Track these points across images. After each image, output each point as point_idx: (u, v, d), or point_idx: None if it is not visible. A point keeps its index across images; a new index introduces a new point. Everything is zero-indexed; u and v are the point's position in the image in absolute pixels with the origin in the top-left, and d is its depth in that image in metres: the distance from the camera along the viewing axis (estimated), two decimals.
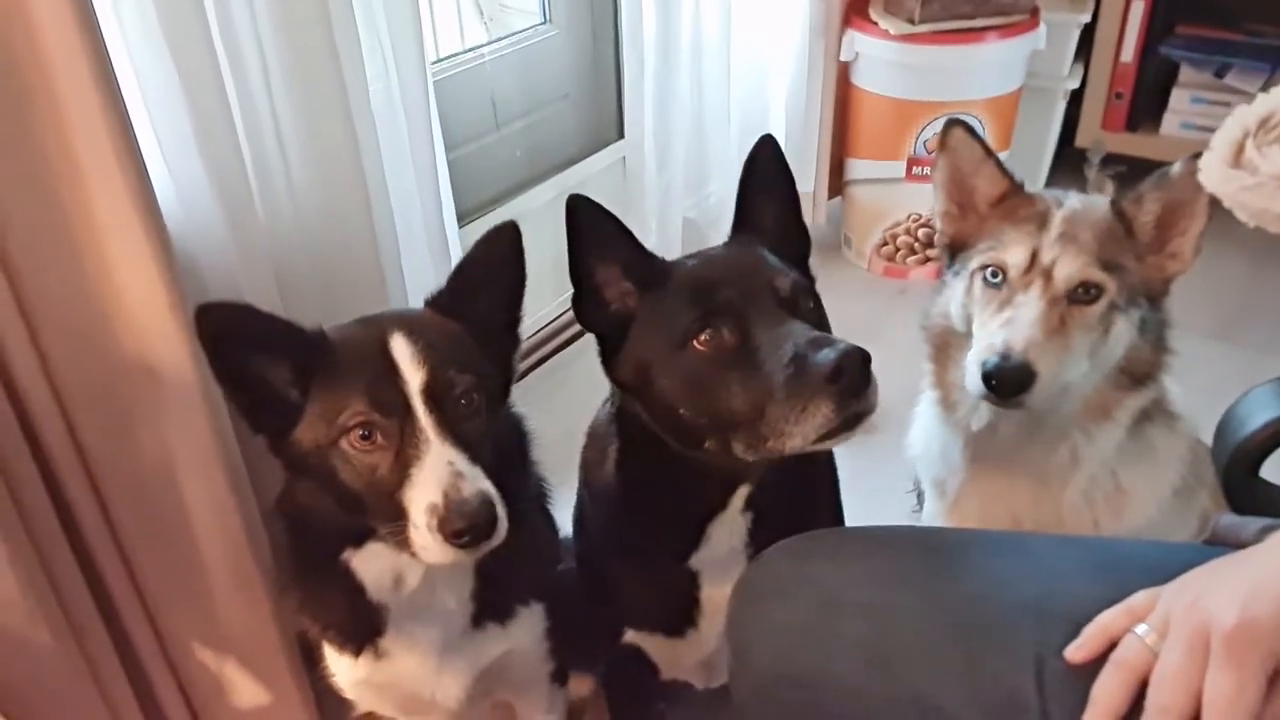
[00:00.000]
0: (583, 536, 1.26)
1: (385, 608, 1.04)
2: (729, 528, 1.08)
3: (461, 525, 0.87)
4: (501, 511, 0.90)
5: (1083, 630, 0.71)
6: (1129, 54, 2.71)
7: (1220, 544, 0.77)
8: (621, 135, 2.25)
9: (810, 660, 0.80)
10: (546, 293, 2.21)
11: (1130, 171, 2.63)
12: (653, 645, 1.21)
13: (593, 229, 1.00)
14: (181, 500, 1.20)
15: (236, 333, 0.92)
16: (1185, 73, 2.71)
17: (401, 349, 0.92)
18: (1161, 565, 0.73)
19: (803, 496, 1.12)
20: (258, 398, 0.94)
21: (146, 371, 1.13)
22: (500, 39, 2.12)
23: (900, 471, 1.64)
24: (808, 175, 2.54)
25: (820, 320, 1.01)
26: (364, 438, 0.91)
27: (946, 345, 1.18)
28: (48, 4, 0.93)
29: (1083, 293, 1.03)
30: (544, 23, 2.16)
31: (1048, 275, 1.04)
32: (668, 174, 2.14)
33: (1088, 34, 2.70)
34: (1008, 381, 1.00)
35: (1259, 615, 0.63)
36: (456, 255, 1.68)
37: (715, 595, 1.12)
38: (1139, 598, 0.71)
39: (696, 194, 2.27)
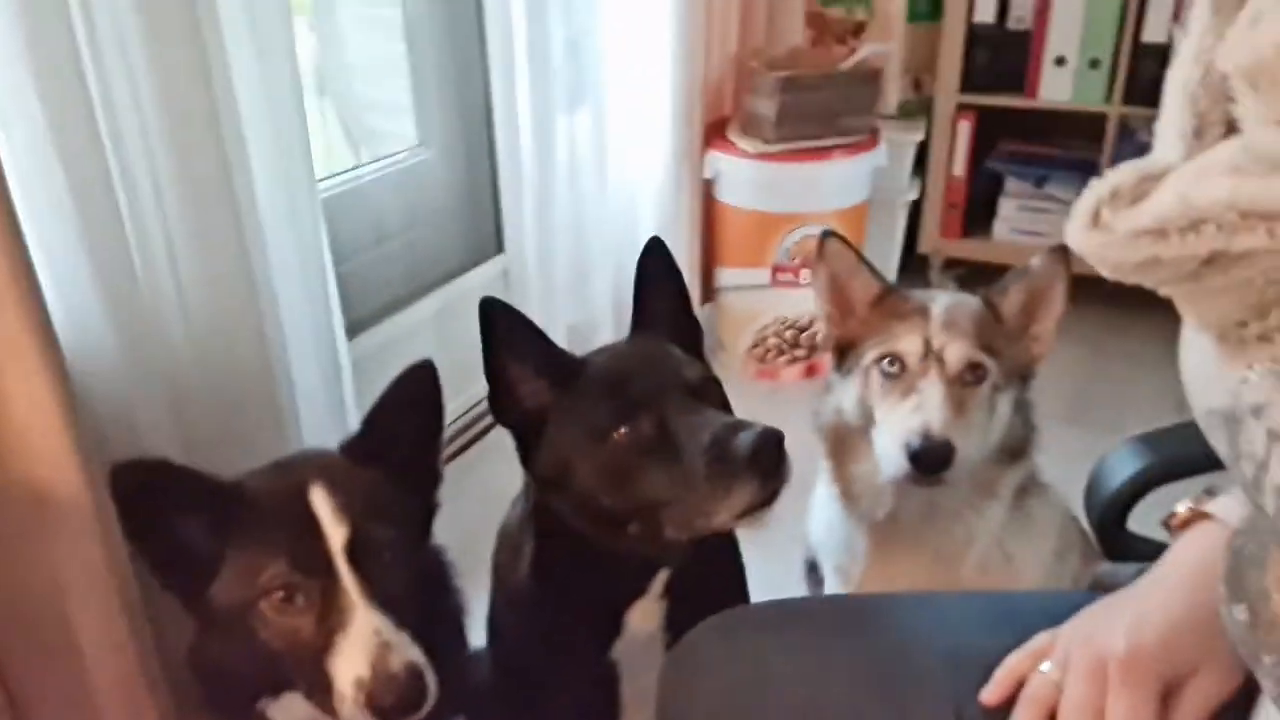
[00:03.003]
0: (499, 643, 1.25)
1: None
2: (647, 613, 1.11)
3: (391, 701, 0.85)
4: (431, 679, 0.88)
5: (994, 674, 0.77)
6: (959, 169, 2.98)
7: (1102, 590, 0.84)
8: (500, 249, 2.32)
9: None
10: None
11: (969, 274, 2.86)
12: None
13: (506, 329, 1.04)
14: (71, 629, 1.13)
15: (153, 491, 0.88)
16: (1010, 184, 2.99)
17: (322, 503, 0.90)
18: (1056, 610, 0.80)
19: (714, 580, 1.16)
20: (170, 554, 0.91)
21: (36, 495, 1.08)
22: (379, 160, 2.17)
23: (790, 561, 1.70)
24: None
25: (725, 404, 1.07)
26: (284, 600, 0.88)
27: (843, 441, 1.24)
28: None
29: (970, 375, 1.13)
30: (420, 145, 2.23)
31: (940, 360, 1.12)
32: (550, 284, 2.21)
33: (922, 151, 2.95)
34: (933, 459, 1.07)
35: (1145, 642, 0.70)
36: (347, 368, 1.69)
37: (636, 687, 1.14)
38: (1040, 639, 0.78)
39: (579, 301, 2.34)
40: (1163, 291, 0.50)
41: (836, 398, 1.24)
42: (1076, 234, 0.49)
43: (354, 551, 0.89)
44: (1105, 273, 0.49)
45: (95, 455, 1.11)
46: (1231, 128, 0.48)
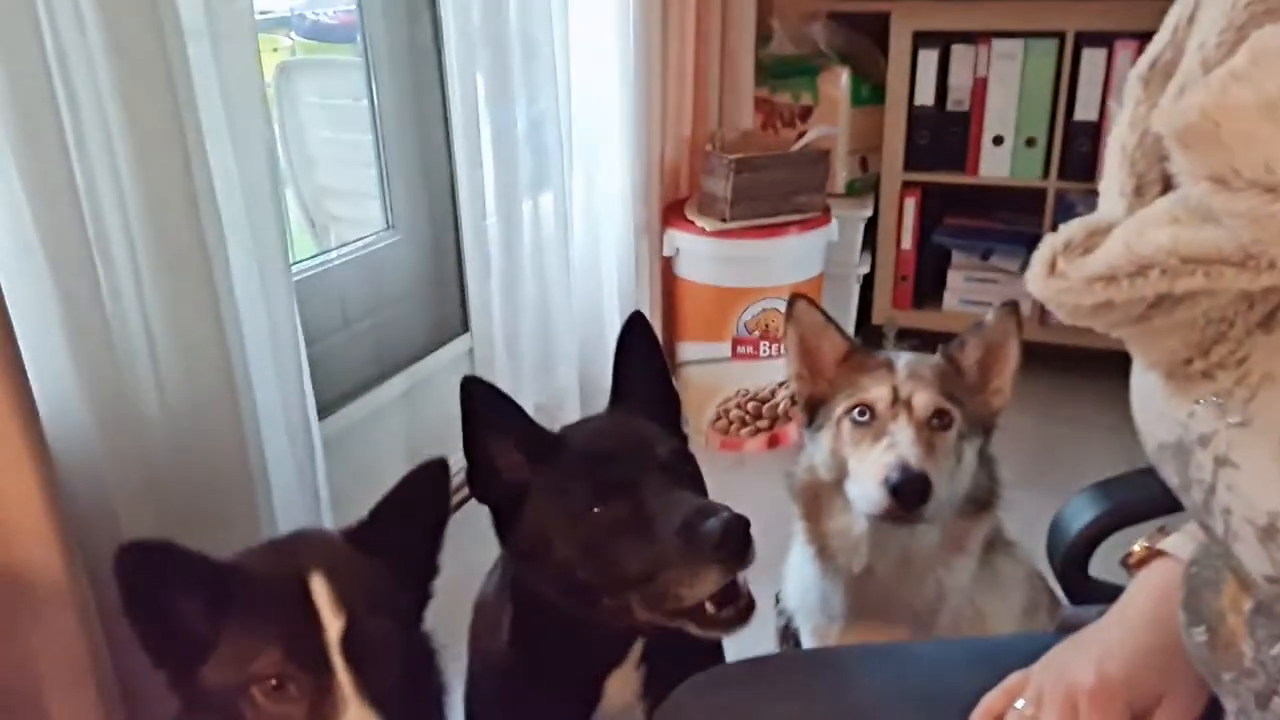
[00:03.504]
0: (476, 717, 1.25)
1: None
2: (625, 681, 1.12)
3: None
4: None
5: (971, 714, 0.80)
6: (908, 243, 3.08)
7: (1068, 632, 0.88)
8: (465, 329, 2.36)
9: None
10: None
11: (922, 343, 2.93)
12: None
13: (487, 407, 1.06)
14: (46, 713, 1.13)
15: (157, 571, 0.88)
16: (957, 257, 3.09)
17: (321, 592, 0.90)
18: (1026, 650, 0.84)
19: (690, 647, 1.17)
20: (166, 634, 0.90)
21: (15, 579, 1.08)
22: (346, 244, 2.21)
23: (764, 626, 1.72)
24: None
25: (696, 478, 1.11)
26: (276, 689, 0.88)
27: (817, 498, 1.27)
28: None
29: (938, 421, 1.17)
30: (387, 229, 2.28)
31: (909, 406, 1.17)
32: (516, 363, 2.25)
33: (872, 227, 3.06)
34: (912, 491, 1.09)
35: (1111, 672, 0.75)
36: (319, 448, 1.70)
37: None
38: (1013, 678, 0.81)
39: (545, 380, 2.38)
40: (1114, 333, 0.55)
41: (809, 456, 1.28)
42: (1036, 281, 0.54)
43: (350, 644, 0.89)
44: (1063, 317, 0.54)
45: (74, 538, 1.12)
46: (1167, 185, 0.54)
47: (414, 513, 1.01)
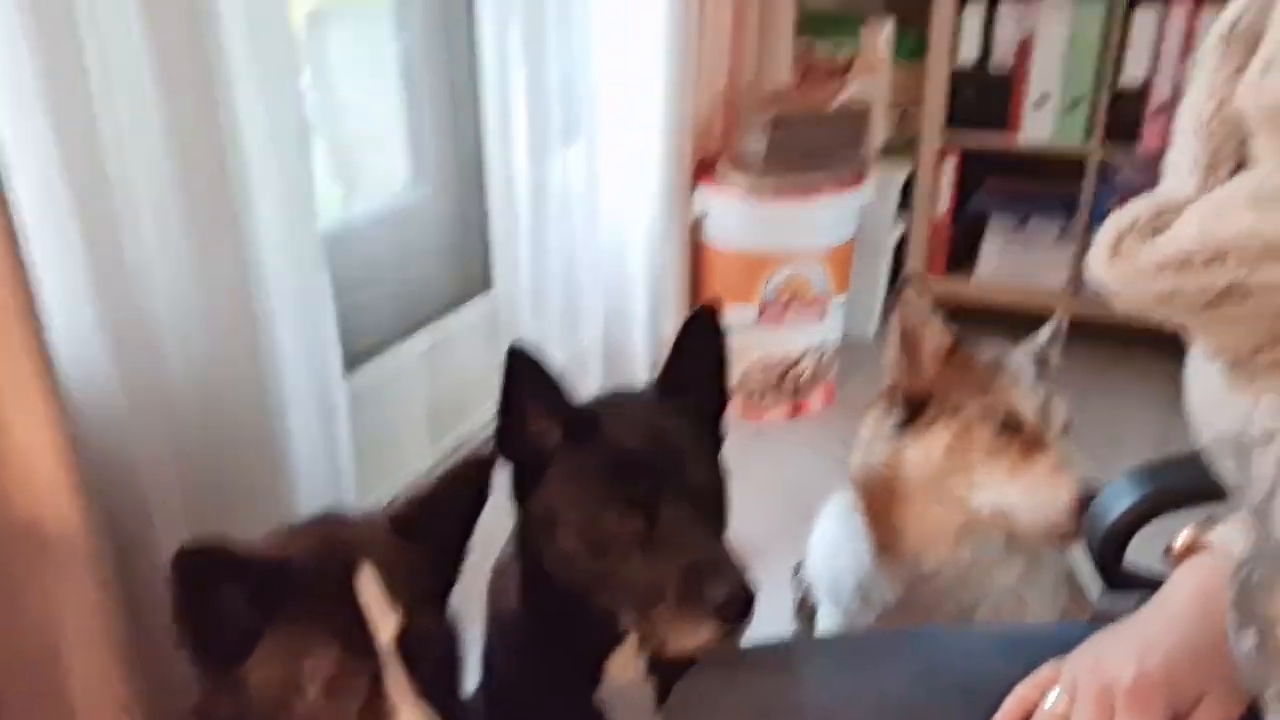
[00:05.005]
0: (492, 680, 1.25)
1: None
2: (626, 663, 1.10)
3: None
4: None
5: (1003, 704, 0.78)
6: (944, 207, 3.02)
7: (1103, 620, 0.85)
8: (487, 287, 2.33)
9: None
10: (422, 441, 2.21)
11: (952, 313, 2.87)
12: None
13: (529, 377, 1.04)
14: (65, 670, 1.12)
15: (210, 573, 0.86)
16: (994, 222, 3.03)
17: (371, 588, 0.89)
18: (1061, 640, 0.81)
19: None
20: (210, 632, 0.88)
21: (35, 536, 1.07)
22: (371, 197, 2.18)
23: (770, 600, 1.69)
24: (668, 322, 2.66)
25: (721, 506, 1.07)
26: (327, 689, 0.86)
27: (892, 494, 1.22)
28: None
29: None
30: (413, 182, 2.24)
31: (1049, 417, 1.15)
32: (542, 323, 2.22)
33: (908, 188, 2.99)
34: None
35: (1151, 668, 0.71)
36: (343, 407, 1.69)
37: None
38: (1046, 669, 0.78)
39: (569, 341, 2.35)
40: (1175, 320, 0.52)
41: (892, 450, 1.21)
42: (1099, 265, 0.50)
43: (402, 645, 0.88)
44: (1121, 304, 0.51)
45: (95, 496, 1.11)
46: (1241, 162, 0.50)
47: (455, 505, 1.01)
